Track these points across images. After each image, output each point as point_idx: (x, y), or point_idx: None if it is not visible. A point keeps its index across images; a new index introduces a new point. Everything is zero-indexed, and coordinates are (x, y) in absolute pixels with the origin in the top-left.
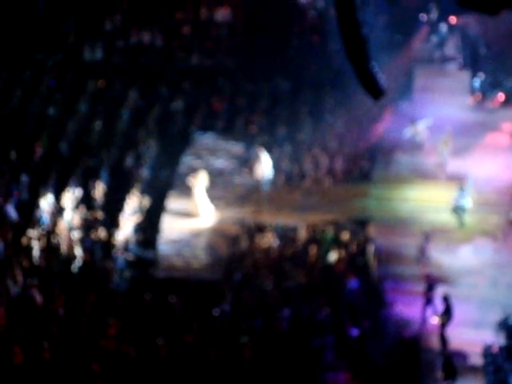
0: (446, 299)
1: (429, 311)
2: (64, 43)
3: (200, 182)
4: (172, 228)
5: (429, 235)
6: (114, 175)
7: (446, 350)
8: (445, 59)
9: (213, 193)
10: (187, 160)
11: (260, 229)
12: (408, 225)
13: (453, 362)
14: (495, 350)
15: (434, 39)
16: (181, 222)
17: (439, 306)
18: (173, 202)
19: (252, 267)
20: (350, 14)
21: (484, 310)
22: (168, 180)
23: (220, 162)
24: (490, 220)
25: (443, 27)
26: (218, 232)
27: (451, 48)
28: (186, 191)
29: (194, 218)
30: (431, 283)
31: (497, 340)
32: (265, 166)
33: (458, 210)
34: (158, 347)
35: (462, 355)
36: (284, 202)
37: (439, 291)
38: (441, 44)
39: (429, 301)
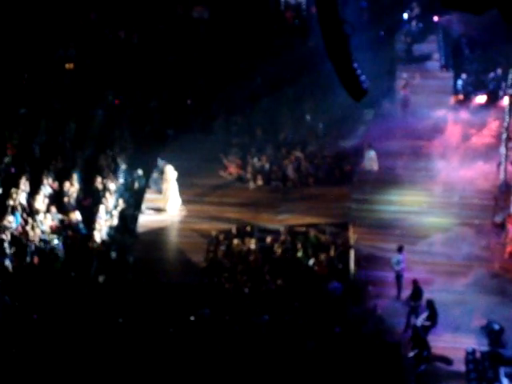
0: (430, 304)
1: (413, 317)
2: (37, 40)
3: (170, 177)
4: (148, 228)
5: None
6: (88, 176)
7: (428, 355)
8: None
9: (189, 193)
10: (163, 160)
11: (239, 232)
12: (389, 228)
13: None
14: (478, 355)
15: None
16: (156, 221)
17: (424, 311)
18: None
19: (231, 271)
20: (332, 12)
21: (465, 315)
22: (144, 180)
23: (196, 163)
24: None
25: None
26: (196, 235)
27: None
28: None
29: (164, 213)
30: (418, 289)
31: (479, 346)
32: None
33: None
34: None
35: (444, 361)
36: (264, 204)
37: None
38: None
39: (414, 307)
